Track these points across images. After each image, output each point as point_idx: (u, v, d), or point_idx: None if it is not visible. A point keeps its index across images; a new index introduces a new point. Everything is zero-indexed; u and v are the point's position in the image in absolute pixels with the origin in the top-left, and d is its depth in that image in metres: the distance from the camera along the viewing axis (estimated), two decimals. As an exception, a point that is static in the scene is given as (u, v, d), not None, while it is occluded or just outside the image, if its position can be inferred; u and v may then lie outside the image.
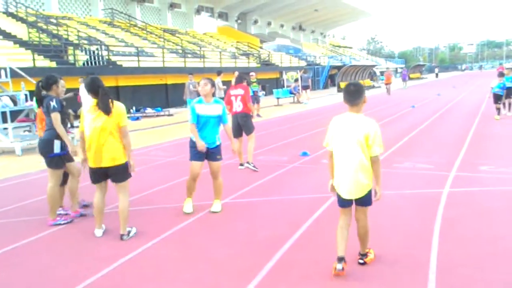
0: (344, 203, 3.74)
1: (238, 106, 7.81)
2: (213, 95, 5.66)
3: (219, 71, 16.95)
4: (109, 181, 4.86)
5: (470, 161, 7.77)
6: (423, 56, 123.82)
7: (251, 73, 17.95)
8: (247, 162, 7.76)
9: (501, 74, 13.51)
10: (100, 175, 4.77)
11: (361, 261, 3.88)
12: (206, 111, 5.47)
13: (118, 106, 4.72)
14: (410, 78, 56.02)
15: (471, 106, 18.08)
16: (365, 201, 3.71)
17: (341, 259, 3.63)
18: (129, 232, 4.77)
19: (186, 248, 4.46)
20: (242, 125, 7.80)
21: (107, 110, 4.58)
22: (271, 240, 4.58)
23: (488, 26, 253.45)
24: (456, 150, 8.83)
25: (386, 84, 29.42)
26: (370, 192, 3.69)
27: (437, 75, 60.84)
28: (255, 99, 16.93)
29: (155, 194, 6.54)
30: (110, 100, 4.62)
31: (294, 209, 5.57)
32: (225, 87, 16.29)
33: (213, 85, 5.58)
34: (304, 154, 8.86)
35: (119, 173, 4.73)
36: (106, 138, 4.62)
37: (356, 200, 3.71)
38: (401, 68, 76.32)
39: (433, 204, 5.51)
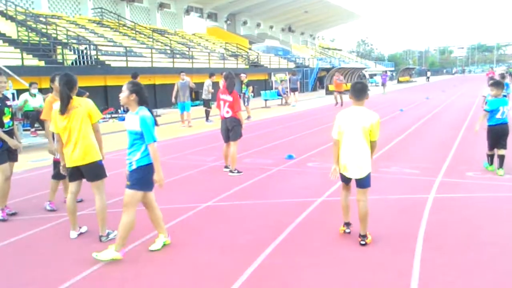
0: (346, 180, 4.56)
1: (226, 112, 7.63)
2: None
3: (211, 73, 16.83)
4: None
5: (457, 167, 7.76)
6: (413, 59, 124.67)
7: (241, 74, 17.87)
8: (230, 171, 7.65)
9: (496, 84, 7.45)
10: (74, 174, 4.72)
11: (362, 242, 4.42)
12: (127, 123, 4.33)
13: (86, 103, 4.66)
14: (399, 81, 56.54)
15: (459, 111, 18.13)
16: (365, 183, 4.42)
17: (348, 224, 4.76)
18: (108, 234, 4.69)
19: (167, 252, 4.38)
20: (231, 129, 7.65)
21: (61, 110, 4.55)
22: (252, 244, 4.51)
23: (479, 29, 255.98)
24: (443, 156, 8.83)
25: (337, 91, 22.87)
26: (369, 175, 4.40)
27: (428, 78, 60.95)
28: (244, 100, 16.87)
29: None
30: (67, 98, 4.53)
31: (277, 213, 5.50)
32: (213, 90, 16.22)
33: (133, 91, 4.16)
34: (290, 157, 8.80)
35: (92, 171, 4.65)
36: (76, 136, 4.57)
37: (358, 181, 4.42)
38: (391, 71, 77.06)
39: (417, 210, 5.48)
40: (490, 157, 7.46)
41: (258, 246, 4.43)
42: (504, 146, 7.10)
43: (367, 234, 4.47)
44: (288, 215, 5.38)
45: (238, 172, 7.57)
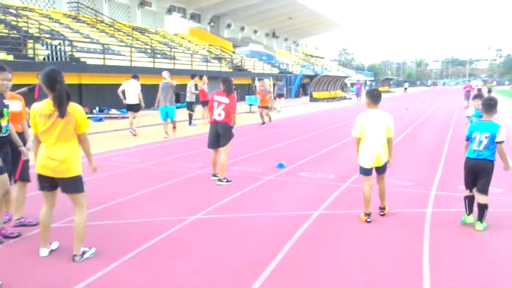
0: (367, 172, 5.28)
1: (218, 115, 7.08)
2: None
3: (193, 74, 16.27)
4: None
5: (448, 180, 7.45)
6: (391, 70, 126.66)
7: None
8: (219, 180, 7.15)
9: (477, 96, 8.15)
10: (47, 182, 4.11)
11: (381, 213, 5.46)
12: None
13: (77, 109, 4.07)
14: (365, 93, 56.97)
15: (441, 122, 18.12)
16: (383, 169, 5.36)
17: (369, 214, 5.26)
18: (83, 252, 4.12)
19: (151, 274, 3.85)
20: (222, 135, 7.14)
21: (62, 112, 3.93)
22: (248, 265, 4.04)
23: (453, 44, 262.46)
24: (432, 167, 8.55)
25: (262, 107, 16.59)
26: (386, 163, 5.34)
27: (406, 89, 61.79)
28: None
29: (119, 207, 5.87)
30: (67, 99, 3.95)
31: (273, 228, 5.05)
32: (197, 92, 15.66)
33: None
34: (280, 166, 8.36)
35: (72, 183, 4.08)
36: (60, 143, 3.99)
37: (378, 169, 5.31)
38: (370, 80, 77.89)
39: (418, 226, 5.12)
40: (468, 201, 5.18)
41: (255, 268, 3.97)
42: (483, 191, 5.00)
43: (386, 205, 5.49)
44: (284, 230, 4.93)
45: (228, 181, 7.07)
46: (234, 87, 7.58)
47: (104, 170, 7.97)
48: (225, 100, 7.08)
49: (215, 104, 7.12)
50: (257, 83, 30.34)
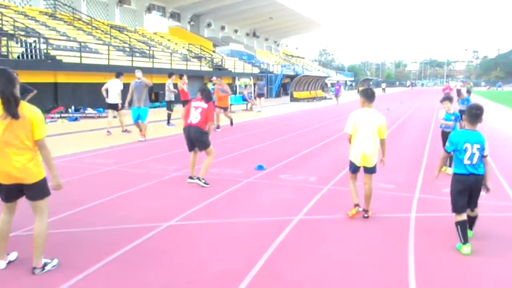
0: (356, 169, 5.35)
1: (195, 118, 6.82)
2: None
3: (170, 73, 15.87)
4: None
5: (432, 183, 7.22)
6: (370, 71, 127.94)
7: (213, 78, 16.97)
8: (197, 178, 6.84)
9: (447, 99, 8.09)
10: (11, 191, 3.74)
11: (366, 215, 5.32)
12: None
13: (33, 111, 3.68)
14: (359, 91, 57.47)
15: (422, 123, 18.09)
16: (372, 170, 5.33)
17: (357, 205, 5.35)
18: (45, 264, 3.77)
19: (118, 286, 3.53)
20: (195, 141, 6.86)
21: (14, 114, 3.56)
22: (224, 276, 3.76)
23: (431, 46, 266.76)
24: (414, 170, 8.37)
25: (220, 107, 14.58)
26: (375, 164, 5.30)
27: (384, 90, 62.37)
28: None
29: (87, 213, 5.50)
30: (16, 100, 3.57)
31: (251, 235, 4.77)
32: (175, 90, 15.27)
33: None
34: (260, 167, 8.09)
35: (34, 189, 3.72)
36: (15, 149, 3.62)
37: (366, 168, 5.30)
38: (350, 81, 78.45)
39: (403, 232, 4.91)
40: (462, 228, 4.29)
41: (232, 279, 3.69)
42: (476, 205, 4.50)
43: (369, 209, 5.36)
44: (263, 237, 4.66)
45: (206, 183, 6.76)
46: (212, 97, 7.37)
47: (74, 172, 7.58)
48: (203, 105, 6.91)
49: (193, 109, 6.92)
50: (237, 82, 30.11)
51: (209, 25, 47.82)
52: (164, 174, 7.61)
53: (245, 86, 26.71)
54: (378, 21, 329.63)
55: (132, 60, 23.63)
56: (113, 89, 12.67)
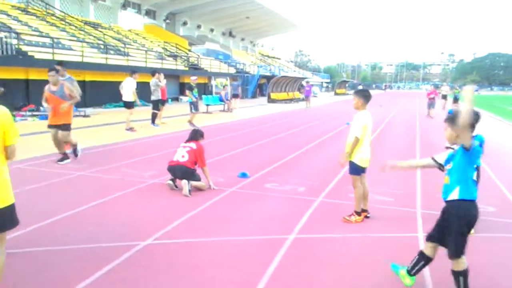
0: (363, 171, 5.37)
1: (181, 156, 6.46)
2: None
3: (153, 71, 15.25)
4: None
5: (431, 194, 6.66)
6: (346, 73, 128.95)
7: (192, 77, 16.33)
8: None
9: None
10: None
11: (368, 215, 5.45)
12: None
13: (3, 113, 3.01)
14: (336, 93, 57.65)
15: (405, 128, 17.51)
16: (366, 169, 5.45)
17: (365, 210, 5.43)
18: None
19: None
20: (187, 178, 6.35)
21: None
22: (212, 312, 3.21)
23: (407, 48, 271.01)
24: (410, 178, 7.84)
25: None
26: None
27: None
28: (195, 106, 15.43)
29: (51, 228, 4.85)
30: None
31: (240, 258, 4.22)
32: (162, 84, 14.82)
33: None
34: (243, 175, 7.54)
35: (7, 215, 3.01)
36: None
37: (365, 169, 5.39)
38: (327, 83, 78.71)
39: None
40: (422, 261, 3.64)
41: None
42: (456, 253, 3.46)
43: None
44: (255, 261, 4.12)
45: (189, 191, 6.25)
46: (202, 136, 6.93)
47: (41, 178, 6.89)
48: (192, 145, 6.59)
49: (179, 149, 6.62)
50: (213, 82, 29.47)
51: (185, 23, 46.94)
52: (140, 182, 6.97)
53: (223, 86, 26.09)
54: (354, 23, 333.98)
55: (106, 58, 22.79)
56: (127, 87, 13.46)
